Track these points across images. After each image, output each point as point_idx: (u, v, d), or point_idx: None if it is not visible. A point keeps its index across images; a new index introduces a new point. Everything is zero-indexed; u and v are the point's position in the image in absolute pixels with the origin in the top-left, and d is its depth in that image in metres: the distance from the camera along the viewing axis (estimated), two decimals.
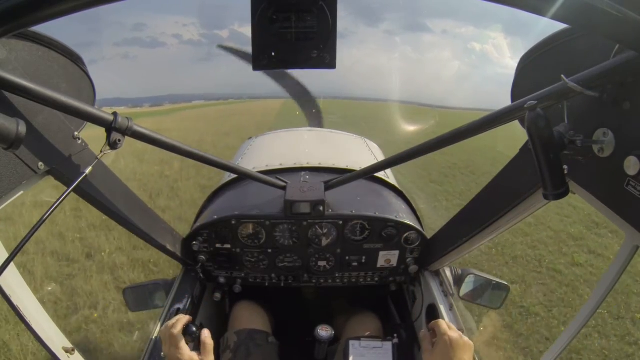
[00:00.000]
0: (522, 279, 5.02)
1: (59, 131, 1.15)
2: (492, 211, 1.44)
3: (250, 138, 3.55)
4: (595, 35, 0.86)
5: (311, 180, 2.04)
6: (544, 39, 1.12)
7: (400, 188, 2.28)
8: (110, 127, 1.09)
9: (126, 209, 1.47)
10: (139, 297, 2.06)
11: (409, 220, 1.92)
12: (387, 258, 2.02)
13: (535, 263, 5.46)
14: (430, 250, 1.96)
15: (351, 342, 1.73)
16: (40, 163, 1.06)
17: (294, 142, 3.15)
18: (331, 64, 1.03)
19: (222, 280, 2.13)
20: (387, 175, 2.44)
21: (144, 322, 3.98)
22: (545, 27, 1.09)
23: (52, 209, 1.00)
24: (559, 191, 0.89)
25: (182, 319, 1.36)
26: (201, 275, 2.04)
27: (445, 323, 1.30)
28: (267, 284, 2.15)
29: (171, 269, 4.87)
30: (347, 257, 2.03)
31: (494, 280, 1.93)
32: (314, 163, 2.29)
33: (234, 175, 2.21)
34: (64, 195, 1.05)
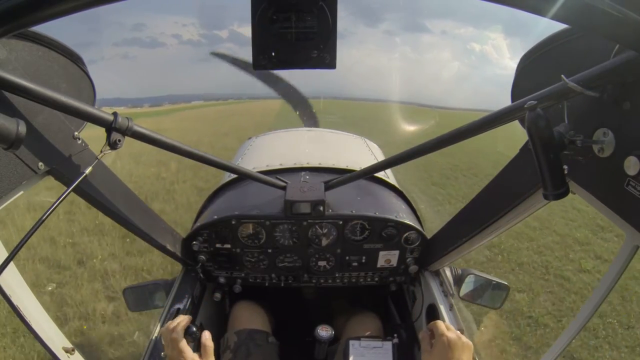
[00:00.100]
0: (529, 287, 4.92)
1: (59, 131, 1.15)
2: (492, 211, 1.44)
3: (250, 138, 3.55)
4: (595, 35, 0.86)
5: (311, 180, 2.04)
6: (544, 39, 1.12)
7: (400, 188, 2.28)
8: (110, 127, 1.09)
9: (126, 209, 1.47)
10: (139, 297, 2.06)
11: (409, 220, 1.92)
12: (387, 258, 2.02)
13: (542, 270, 5.36)
14: (430, 250, 1.96)
15: (351, 342, 1.73)
16: (40, 163, 1.06)
17: (294, 142, 3.15)
18: (331, 64, 1.03)
19: (222, 280, 2.13)
20: (387, 175, 2.44)
21: (135, 333, 3.92)
22: (545, 27, 1.09)
23: (52, 209, 1.00)
24: (559, 191, 0.89)
25: (183, 321, 1.35)
26: (201, 275, 2.03)
27: (444, 324, 1.30)
28: (267, 284, 2.15)
29: (165, 276, 4.65)
30: (347, 257, 2.02)
31: (494, 280, 1.92)
32: (314, 163, 2.29)
33: (234, 175, 2.21)
34: (64, 195, 1.05)
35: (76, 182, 1.10)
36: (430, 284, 1.97)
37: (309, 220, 1.89)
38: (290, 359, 1.96)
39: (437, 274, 2.02)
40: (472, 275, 1.92)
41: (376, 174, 2.20)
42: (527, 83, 1.22)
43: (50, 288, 4.59)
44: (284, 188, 1.92)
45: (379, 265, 2.05)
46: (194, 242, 1.92)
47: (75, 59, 1.25)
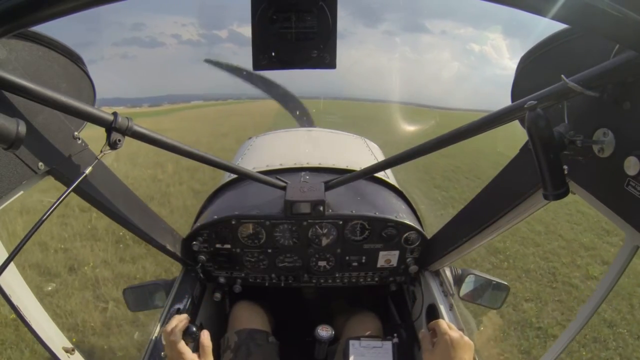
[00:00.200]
0: (537, 296, 4.81)
1: (59, 131, 1.15)
2: (492, 211, 1.44)
3: (250, 138, 3.54)
4: (595, 35, 0.86)
5: (311, 181, 2.04)
6: (544, 39, 1.12)
7: (400, 188, 2.28)
8: (110, 127, 1.08)
9: (126, 209, 1.47)
10: (139, 297, 2.06)
11: (409, 220, 1.92)
12: (387, 258, 2.02)
13: (549, 277, 5.27)
14: (430, 250, 1.96)
15: (351, 342, 1.73)
16: (40, 163, 1.06)
17: (294, 142, 3.15)
18: (331, 64, 1.03)
19: (222, 280, 2.13)
20: (387, 175, 2.44)
21: (127, 347, 3.85)
22: (545, 27, 1.09)
23: (52, 209, 1.00)
24: (559, 191, 0.89)
25: (181, 322, 1.35)
26: (201, 275, 2.03)
27: (446, 323, 1.30)
28: (267, 284, 2.15)
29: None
30: (347, 257, 2.02)
31: (494, 280, 1.92)
32: (314, 163, 2.29)
33: (234, 176, 2.21)
34: (64, 195, 1.04)
35: (76, 182, 1.10)
36: (430, 284, 1.97)
37: (309, 220, 1.89)
38: (290, 359, 1.96)
39: (437, 274, 2.03)
40: (472, 275, 1.92)
41: (376, 174, 2.20)
42: (527, 83, 1.22)
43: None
44: (284, 188, 1.92)
45: (379, 265, 2.05)
46: (194, 242, 1.92)
47: (75, 59, 1.25)
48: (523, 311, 4.50)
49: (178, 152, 1.36)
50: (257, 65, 1.01)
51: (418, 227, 1.94)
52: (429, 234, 1.98)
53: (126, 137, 1.14)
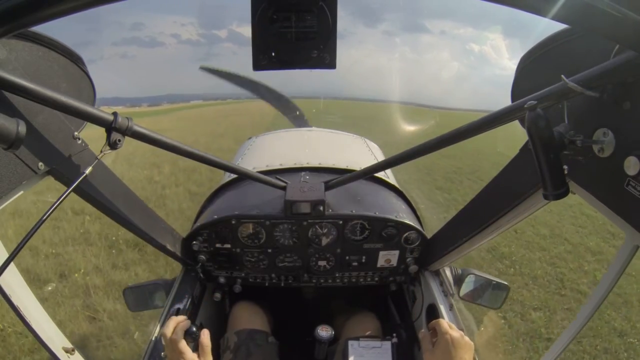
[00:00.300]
0: (545, 304, 4.67)
1: (59, 131, 1.15)
2: (492, 211, 1.44)
3: (250, 138, 3.55)
4: (595, 35, 0.86)
5: (311, 180, 2.04)
6: (544, 39, 1.12)
7: (400, 188, 2.29)
8: (110, 127, 1.08)
9: (126, 209, 1.47)
10: (139, 297, 2.06)
11: (408, 220, 1.93)
12: (387, 258, 2.02)
13: (557, 283, 5.14)
14: (430, 250, 1.97)
15: (350, 342, 1.73)
16: (40, 163, 1.06)
17: (294, 142, 3.15)
18: (331, 64, 1.03)
19: (222, 280, 2.13)
20: (387, 175, 2.45)
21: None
22: (545, 27, 1.09)
23: (52, 209, 1.00)
24: (559, 191, 0.89)
25: (182, 321, 1.34)
26: (201, 275, 2.03)
27: (446, 322, 1.30)
28: (267, 284, 2.15)
29: None
30: (347, 257, 2.03)
31: (494, 280, 1.93)
32: (314, 163, 2.29)
33: (233, 175, 2.21)
34: (64, 195, 1.04)
35: (76, 182, 1.10)
36: (430, 283, 1.97)
37: (309, 220, 1.89)
38: (290, 359, 1.96)
39: (437, 274, 2.03)
40: (472, 275, 1.92)
41: (376, 174, 2.20)
42: (527, 83, 1.22)
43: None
44: (284, 188, 1.92)
45: (379, 265, 2.05)
46: (194, 242, 1.92)
47: (75, 59, 1.25)
48: (532, 321, 4.38)
49: (178, 152, 1.36)
50: (257, 65, 1.01)
51: (418, 227, 1.94)
52: (429, 234, 1.98)
53: (126, 137, 1.14)
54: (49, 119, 1.11)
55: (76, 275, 4.77)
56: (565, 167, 0.95)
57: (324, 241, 1.96)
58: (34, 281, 4.65)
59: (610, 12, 0.63)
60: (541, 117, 0.84)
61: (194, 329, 1.35)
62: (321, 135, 3.48)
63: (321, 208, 1.82)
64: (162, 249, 1.74)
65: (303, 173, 2.18)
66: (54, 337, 1.32)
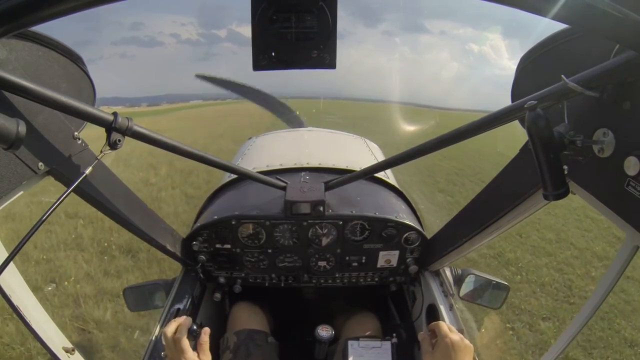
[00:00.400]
0: (554, 314, 4.53)
1: (59, 131, 1.15)
2: (492, 211, 1.44)
3: (250, 138, 3.55)
4: (595, 35, 0.86)
5: (311, 181, 2.04)
6: (544, 39, 1.12)
7: (400, 188, 2.29)
8: (110, 127, 1.08)
9: (126, 209, 1.47)
10: (139, 297, 2.06)
11: (409, 220, 1.93)
12: (387, 258, 2.02)
13: (565, 290, 5.01)
14: (430, 250, 1.96)
15: (350, 342, 1.73)
16: (40, 163, 1.06)
17: (294, 142, 3.15)
18: (331, 64, 1.03)
19: (222, 280, 2.13)
20: (387, 175, 2.45)
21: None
22: (545, 27, 1.09)
23: (52, 209, 1.00)
24: (559, 191, 0.89)
25: (185, 320, 1.34)
26: (201, 275, 2.03)
27: (446, 325, 1.30)
28: (267, 284, 2.15)
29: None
30: (347, 257, 2.03)
31: (494, 280, 1.93)
32: (314, 163, 2.29)
33: (234, 176, 2.21)
34: (64, 196, 1.04)
35: (76, 182, 1.10)
36: (430, 284, 1.97)
37: (309, 221, 1.89)
38: (290, 359, 1.96)
39: (437, 274, 2.03)
40: (472, 275, 1.92)
41: (376, 174, 2.20)
42: (527, 83, 1.22)
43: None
44: (284, 188, 1.92)
45: (379, 266, 2.05)
46: (194, 242, 1.92)
47: (75, 59, 1.25)
48: (541, 332, 4.24)
49: (178, 152, 1.35)
50: (257, 65, 1.01)
51: (418, 227, 1.94)
52: (429, 234, 1.98)
53: (125, 138, 1.14)
54: (49, 119, 1.11)
55: (66, 283, 4.62)
56: (565, 167, 0.95)
57: (324, 241, 1.96)
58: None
59: (610, 12, 0.63)
60: (541, 117, 0.84)
61: (195, 327, 1.36)
62: (321, 136, 3.48)
63: (321, 208, 1.82)
64: (162, 249, 1.74)
65: (303, 173, 2.18)
66: (54, 337, 1.32)
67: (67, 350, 1.34)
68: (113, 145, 1.10)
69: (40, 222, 0.98)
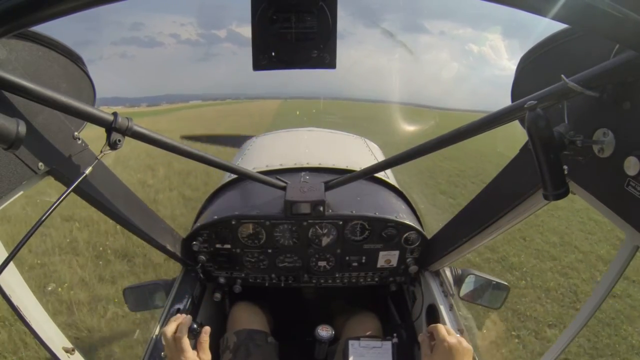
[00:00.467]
0: (560, 320, 4.39)
1: (59, 131, 1.15)
2: (492, 211, 1.44)
3: (250, 138, 3.55)
4: (595, 35, 0.86)
5: (311, 181, 2.04)
6: (544, 39, 1.12)
7: (400, 188, 2.29)
8: (110, 127, 1.08)
9: (126, 209, 1.47)
10: (139, 297, 2.06)
11: (409, 220, 1.93)
12: (387, 258, 2.02)
13: (571, 296, 4.89)
14: (430, 251, 1.97)
15: (350, 342, 1.73)
16: (40, 163, 1.06)
17: (294, 142, 3.15)
18: (331, 64, 1.03)
19: (222, 280, 2.13)
20: (387, 175, 2.45)
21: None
22: (545, 27, 1.09)
23: (51, 209, 1.00)
24: (559, 191, 0.89)
25: (185, 319, 1.34)
26: (201, 276, 2.03)
27: (444, 328, 1.29)
28: (267, 284, 2.15)
29: (138, 313, 3.94)
30: (347, 257, 2.03)
31: (494, 281, 1.93)
32: (314, 163, 2.29)
33: (234, 176, 2.21)
34: (64, 195, 1.04)
35: (76, 182, 1.10)
36: (430, 284, 1.97)
37: (309, 221, 1.89)
38: (290, 359, 1.96)
39: (437, 274, 2.03)
40: (472, 276, 1.92)
41: (376, 174, 2.20)
42: (527, 83, 1.22)
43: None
44: (284, 188, 1.92)
45: (379, 266, 2.05)
46: (194, 242, 1.92)
47: (75, 59, 1.25)
48: (547, 340, 4.09)
49: (178, 152, 1.36)
50: (257, 65, 1.01)
51: (418, 227, 1.94)
52: (429, 234, 1.98)
53: (125, 138, 1.14)
54: (49, 119, 1.11)
55: (60, 289, 4.50)
56: (565, 167, 0.96)
57: (324, 241, 1.96)
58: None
59: (610, 12, 0.63)
60: (541, 117, 0.84)
61: (195, 325, 1.36)
62: (321, 136, 3.48)
63: (321, 208, 1.82)
64: (162, 249, 1.74)
65: (303, 173, 2.18)
66: (54, 337, 1.32)
67: (67, 350, 1.34)
68: (113, 145, 1.10)
69: (40, 222, 0.98)
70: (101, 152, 1.14)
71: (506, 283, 1.93)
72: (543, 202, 1.21)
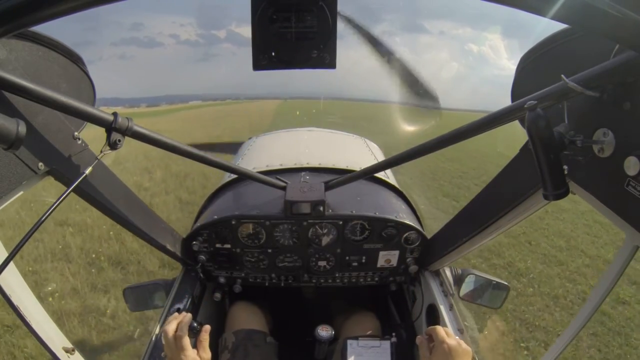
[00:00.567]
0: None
1: (59, 131, 1.15)
2: (492, 211, 1.44)
3: (250, 138, 3.55)
4: (595, 35, 0.86)
5: (311, 181, 2.04)
6: (543, 39, 1.12)
7: (400, 188, 2.29)
8: (110, 127, 1.08)
9: (126, 209, 1.47)
10: (139, 297, 2.06)
11: (408, 220, 1.93)
12: (387, 258, 2.02)
13: (580, 303, 4.75)
14: (430, 250, 1.97)
15: (349, 342, 1.73)
16: (40, 163, 1.06)
17: (294, 142, 3.15)
18: (331, 64, 1.03)
19: (222, 280, 2.13)
20: (387, 175, 2.45)
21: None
22: (545, 27, 1.09)
23: (51, 209, 1.00)
24: (559, 191, 0.89)
25: (186, 317, 1.33)
26: (201, 275, 2.03)
27: (443, 329, 1.29)
28: (267, 284, 2.15)
29: (131, 325, 3.97)
30: (347, 257, 2.03)
31: (494, 280, 1.93)
32: (314, 163, 2.29)
33: (234, 176, 2.21)
34: (64, 195, 1.04)
35: (76, 182, 1.10)
36: (430, 284, 1.97)
37: (309, 221, 1.89)
38: (290, 359, 1.96)
39: (437, 274, 2.03)
40: (472, 275, 1.92)
41: (376, 174, 2.20)
42: (527, 83, 1.22)
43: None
44: (284, 188, 1.92)
45: (379, 265, 2.05)
46: (194, 242, 1.92)
47: (75, 59, 1.25)
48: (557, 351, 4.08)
49: (178, 152, 1.35)
50: (257, 65, 1.01)
51: (418, 227, 1.94)
52: (429, 234, 1.98)
53: (125, 138, 1.14)
54: (49, 119, 1.10)
55: (50, 299, 4.35)
56: (565, 167, 0.96)
57: (324, 241, 1.96)
58: (4, 306, 4.19)
59: (610, 12, 0.63)
60: (541, 117, 0.84)
61: (195, 324, 1.35)
62: (321, 136, 3.48)
63: (321, 208, 1.82)
64: (162, 249, 1.74)
65: (303, 173, 2.18)
66: (54, 337, 1.31)
67: (67, 350, 1.34)
68: (113, 145, 1.10)
69: (40, 222, 0.98)
70: (101, 152, 1.14)
71: (506, 283, 1.93)
72: (543, 202, 1.21)
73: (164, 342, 1.32)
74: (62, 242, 5.62)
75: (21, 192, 1.06)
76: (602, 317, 4.40)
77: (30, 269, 4.94)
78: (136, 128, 1.15)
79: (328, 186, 1.88)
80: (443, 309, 1.81)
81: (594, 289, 1.12)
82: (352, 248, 1.99)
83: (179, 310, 1.80)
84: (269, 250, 1.99)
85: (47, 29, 0.98)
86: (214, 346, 1.42)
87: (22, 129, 0.83)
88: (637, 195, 0.81)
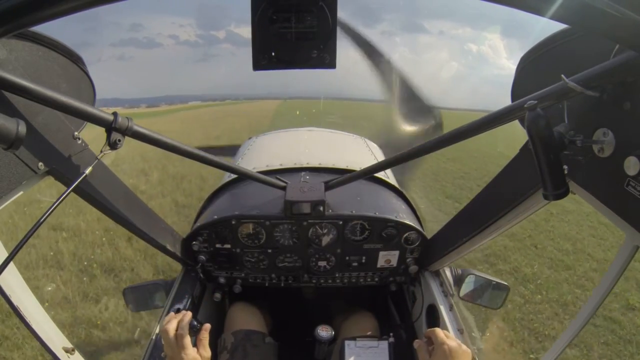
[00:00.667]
0: (579, 339, 4.07)
1: (59, 131, 1.15)
2: (492, 211, 1.44)
3: (250, 138, 3.55)
4: (595, 35, 0.87)
5: (311, 181, 2.04)
6: (543, 39, 1.12)
7: (400, 188, 2.29)
8: (110, 127, 1.08)
9: (126, 209, 1.47)
10: (139, 297, 2.06)
11: (409, 220, 1.93)
12: (387, 258, 2.02)
13: None
14: (430, 251, 1.96)
15: (347, 342, 1.72)
16: (40, 163, 1.06)
17: (294, 142, 3.15)
18: (331, 64, 1.03)
19: (222, 280, 2.13)
20: (387, 175, 2.45)
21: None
22: (545, 27, 1.09)
23: (51, 209, 1.00)
24: (559, 191, 0.89)
25: (186, 316, 1.33)
26: (201, 275, 2.03)
27: (443, 332, 1.29)
28: (267, 284, 2.15)
29: (125, 337, 3.89)
30: (347, 257, 2.03)
31: (494, 281, 1.93)
32: (314, 163, 2.29)
33: (234, 176, 2.21)
34: (64, 195, 1.04)
35: (76, 182, 1.10)
36: (430, 284, 1.97)
37: (309, 221, 1.89)
38: (290, 359, 1.96)
39: (437, 274, 2.03)
40: (472, 276, 1.92)
41: (376, 174, 2.20)
42: (527, 83, 1.22)
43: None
44: (284, 188, 1.92)
45: (379, 266, 2.05)
46: (194, 242, 1.92)
47: (75, 59, 1.25)
48: None
49: (178, 152, 1.35)
50: (257, 65, 1.01)
51: (418, 227, 1.94)
52: (429, 234, 1.98)
53: (125, 138, 1.14)
54: (49, 119, 1.10)
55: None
56: (565, 167, 0.96)
57: (324, 241, 1.96)
58: None
59: (610, 12, 0.63)
60: (541, 117, 0.84)
61: (195, 322, 1.35)
62: (321, 135, 3.48)
63: (321, 208, 1.82)
64: (162, 249, 1.74)
65: (303, 173, 2.18)
66: (54, 337, 1.31)
67: (67, 350, 1.34)
68: (113, 145, 1.10)
69: (40, 222, 0.98)
70: (101, 152, 1.14)
71: (506, 283, 1.93)
72: (543, 202, 1.21)
73: (164, 341, 1.31)
74: (54, 247, 5.50)
75: (21, 192, 1.06)
76: (613, 325, 4.32)
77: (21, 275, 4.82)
78: (136, 128, 1.15)
79: (328, 186, 1.88)
80: (443, 309, 1.80)
81: (595, 289, 1.12)
82: (352, 248, 1.98)
83: (178, 311, 1.80)
84: (269, 251, 1.99)
85: (47, 29, 0.99)
86: (214, 346, 1.41)
87: (22, 128, 0.83)
88: (637, 195, 0.81)
